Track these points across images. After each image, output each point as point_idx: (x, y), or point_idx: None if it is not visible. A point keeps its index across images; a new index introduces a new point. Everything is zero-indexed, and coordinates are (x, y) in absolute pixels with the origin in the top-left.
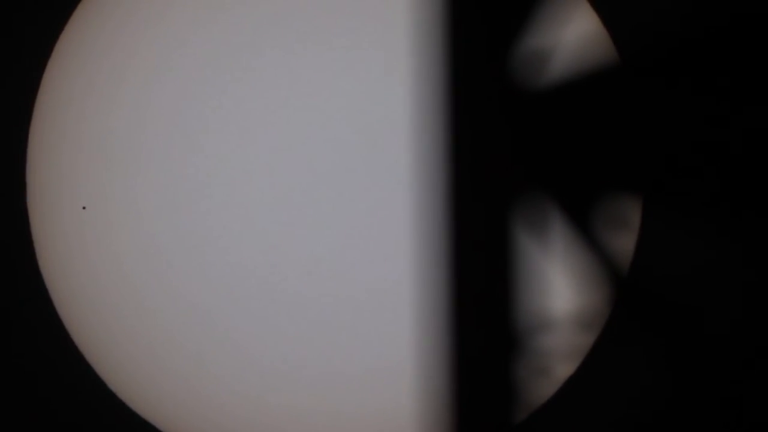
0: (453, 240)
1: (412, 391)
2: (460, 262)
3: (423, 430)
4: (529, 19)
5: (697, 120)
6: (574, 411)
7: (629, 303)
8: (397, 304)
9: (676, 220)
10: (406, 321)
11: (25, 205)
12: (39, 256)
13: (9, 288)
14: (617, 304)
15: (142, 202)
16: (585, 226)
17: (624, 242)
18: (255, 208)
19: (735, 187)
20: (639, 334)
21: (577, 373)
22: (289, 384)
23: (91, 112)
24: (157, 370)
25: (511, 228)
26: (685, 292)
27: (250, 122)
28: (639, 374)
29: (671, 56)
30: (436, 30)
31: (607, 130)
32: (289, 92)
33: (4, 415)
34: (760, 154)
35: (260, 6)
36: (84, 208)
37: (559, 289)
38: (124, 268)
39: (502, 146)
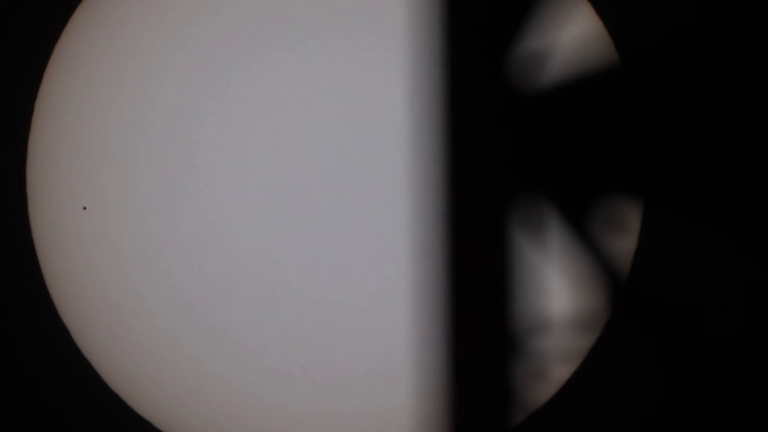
0: (450, 242)
1: (409, 393)
2: (458, 263)
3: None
4: (528, 20)
5: (697, 121)
6: (571, 413)
7: (627, 305)
8: (395, 306)
9: (675, 222)
10: (403, 323)
11: (25, 205)
12: (39, 256)
13: (9, 288)
14: (615, 306)
15: (142, 202)
16: (582, 229)
17: (622, 244)
18: (255, 208)
19: (735, 188)
20: (637, 336)
21: (575, 376)
22: (288, 384)
23: (91, 112)
24: (157, 370)
25: (508, 230)
26: (683, 294)
27: (250, 122)
28: (637, 377)
29: (671, 57)
30: (435, 30)
31: (606, 132)
32: (289, 93)
33: (5, 415)
34: (760, 155)
35: (260, 6)
36: (84, 208)
37: (556, 291)
38: (124, 268)
39: (499, 148)
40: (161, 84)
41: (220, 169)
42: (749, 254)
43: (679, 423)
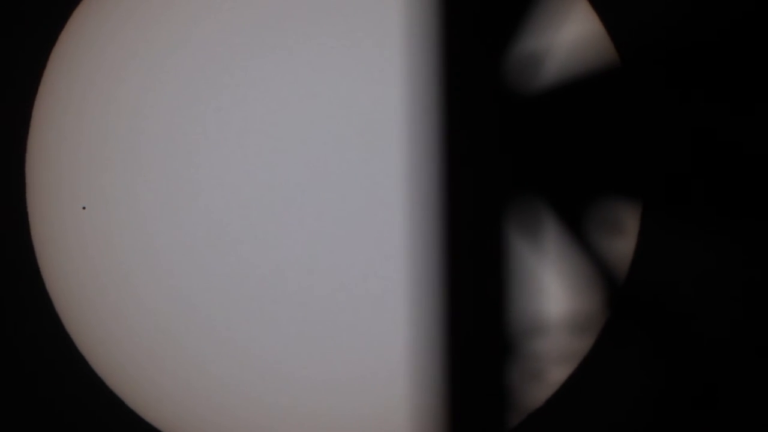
0: (447, 243)
1: (405, 395)
2: (454, 265)
3: None
4: (527, 20)
5: (696, 122)
6: (569, 416)
7: (625, 307)
8: (391, 308)
9: (674, 223)
10: (400, 325)
11: (25, 205)
12: (39, 256)
13: (9, 288)
14: (613, 308)
15: (142, 202)
16: (579, 230)
17: (619, 246)
18: (255, 208)
19: (734, 190)
20: (635, 338)
21: (572, 378)
22: (288, 385)
23: (90, 112)
24: (157, 370)
25: (505, 231)
26: (682, 296)
27: (250, 122)
28: (634, 379)
29: (670, 57)
30: (431, 31)
31: (604, 133)
32: (288, 93)
33: (4, 415)
34: (760, 156)
35: (260, 6)
36: (84, 208)
37: (553, 292)
38: (124, 268)
39: (497, 149)
40: (161, 84)
41: (220, 168)
42: (748, 256)
43: (677, 425)
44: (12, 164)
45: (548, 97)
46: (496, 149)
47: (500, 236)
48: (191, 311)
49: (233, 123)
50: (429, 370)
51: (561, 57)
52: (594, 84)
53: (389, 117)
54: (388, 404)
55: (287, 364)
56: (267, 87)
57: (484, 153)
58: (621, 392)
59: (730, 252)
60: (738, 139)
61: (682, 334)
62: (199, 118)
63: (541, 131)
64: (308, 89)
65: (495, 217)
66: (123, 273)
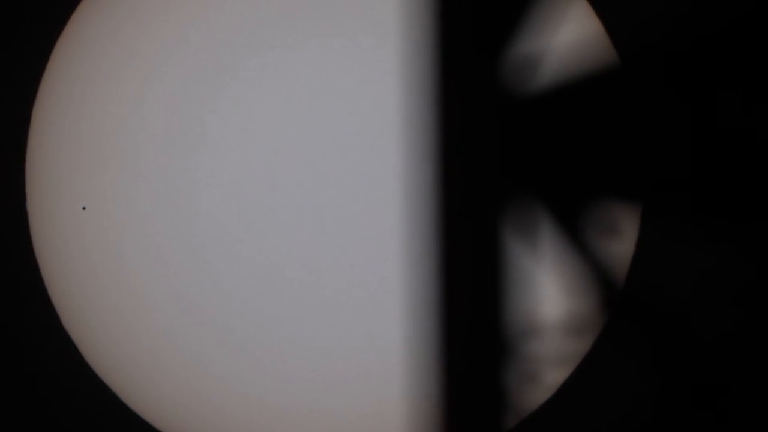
0: (444, 244)
1: (402, 397)
2: (452, 266)
3: None
4: (525, 20)
5: (696, 123)
6: (566, 418)
7: (624, 310)
8: (387, 310)
9: (673, 225)
10: (395, 327)
11: (25, 205)
12: (39, 256)
13: (9, 288)
14: (610, 310)
15: (142, 202)
16: (576, 232)
17: (616, 248)
18: (255, 208)
19: (734, 191)
20: (633, 341)
21: (569, 380)
22: (288, 385)
23: (91, 112)
24: (157, 370)
25: (501, 233)
26: (680, 299)
27: (249, 122)
28: (632, 382)
29: (670, 57)
30: (428, 31)
31: (603, 133)
32: (287, 94)
33: (4, 415)
34: (760, 156)
35: (259, 6)
36: (84, 208)
37: (549, 294)
38: (124, 268)
39: (494, 150)
40: (161, 84)
41: (219, 169)
42: (747, 258)
43: (675, 428)
44: (12, 164)
45: (547, 97)
46: (494, 150)
47: (498, 238)
48: (191, 311)
49: (233, 123)
50: (426, 372)
51: (560, 57)
52: (594, 84)
53: (386, 118)
54: (385, 406)
55: (287, 364)
56: (267, 87)
57: (481, 154)
58: (619, 395)
59: (729, 254)
60: (738, 139)
61: (681, 337)
62: (198, 118)
63: (540, 132)
64: (306, 90)
65: (492, 219)
66: (123, 273)
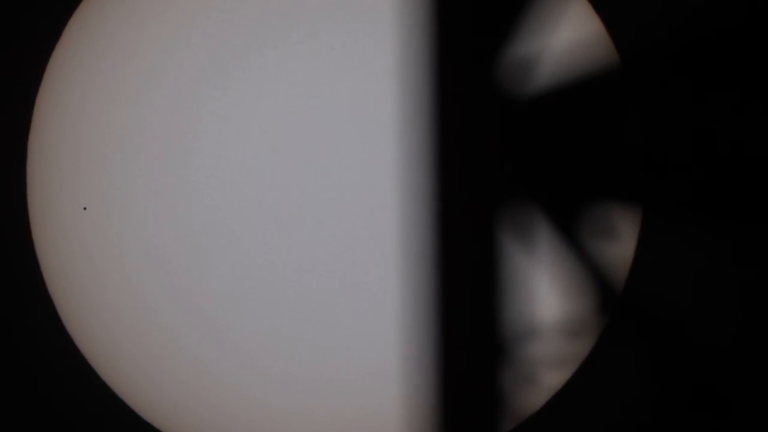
0: (441, 247)
1: (399, 399)
2: (449, 269)
3: None
4: (523, 21)
5: (696, 123)
6: (564, 421)
7: (623, 313)
8: (383, 312)
9: (672, 228)
10: (391, 329)
11: (25, 205)
12: (39, 256)
13: (9, 288)
14: (608, 313)
15: (142, 202)
16: (574, 235)
17: (614, 251)
18: (255, 207)
19: (734, 193)
20: (632, 344)
21: (568, 383)
22: (288, 385)
23: (91, 112)
24: (157, 370)
25: (498, 235)
26: (679, 301)
27: (249, 122)
28: (631, 385)
29: (671, 57)
30: (425, 31)
31: (602, 134)
32: (286, 94)
33: (5, 415)
34: (760, 157)
35: (259, 6)
36: (84, 208)
37: (546, 297)
38: (124, 268)
39: (493, 151)
40: (161, 84)
41: (219, 168)
42: (747, 261)
43: (673, 430)
44: (12, 164)
45: (547, 98)
46: (492, 152)
47: (494, 239)
48: (191, 311)
49: (232, 123)
50: (424, 374)
51: (560, 57)
52: (593, 84)
53: (384, 119)
54: (381, 409)
55: (287, 364)
56: (267, 87)
57: (480, 155)
58: (617, 398)
59: (728, 256)
60: (738, 139)
61: (679, 340)
62: (198, 118)
63: (538, 133)
64: (304, 90)
65: (489, 221)
66: (123, 273)
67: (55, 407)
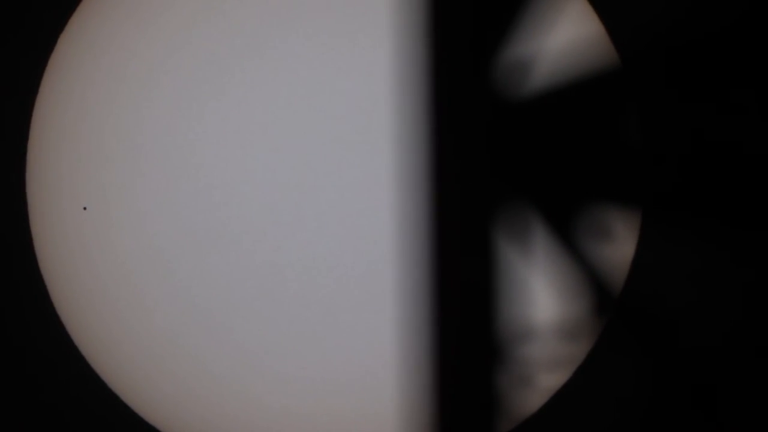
0: (437, 248)
1: (395, 401)
2: (444, 270)
3: None
4: (522, 21)
5: (696, 123)
6: (562, 423)
7: (621, 315)
8: (381, 313)
9: (670, 230)
10: (387, 330)
11: (25, 205)
12: (39, 256)
13: (9, 288)
14: (606, 314)
15: (142, 202)
16: (570, 236)
17: (612, 252)
18: (254, 207)
19: (734, 194)
20: (629, 346)
21: (564, 386)
22: (287, 385)
23: (90, 113)
24: (157, 370)
25: (494, 236)
26: (677, 303)
27: (248, 122)
28: (629, 387)
29: (671, 57)
30: (423, 32)
31: (602, 134)
32: (286, 93)
33: (4, 415)
34: (760, 157)
35: (258, 7)
36: (84, 208)
37: (543, 298)
38: (124, 268)
39: (489, 152)
40: (161, 84)
41: (219, 168)
42: (745, 262)
43: None
44: (12, 164)
45: (546, 98)
46: (489, 153)
47: (490, 241)
48: (191, 311)
49: (233, 123)
50: (420, 376)
51: (560, 57)
52: (593, 85)
53: (379, 121)
54: (379, 409)
55: (286, 364)
56: (266, 87)
57: (477, 156)
58: (615, 400)
59: (727, 258)
60: (738, 140)
61: (678, 342)
62: (198, 118)
63: (537, 133)
64: (302, 91)
65: (487, 222)
66: (123, 273)
67: (55, 407)
